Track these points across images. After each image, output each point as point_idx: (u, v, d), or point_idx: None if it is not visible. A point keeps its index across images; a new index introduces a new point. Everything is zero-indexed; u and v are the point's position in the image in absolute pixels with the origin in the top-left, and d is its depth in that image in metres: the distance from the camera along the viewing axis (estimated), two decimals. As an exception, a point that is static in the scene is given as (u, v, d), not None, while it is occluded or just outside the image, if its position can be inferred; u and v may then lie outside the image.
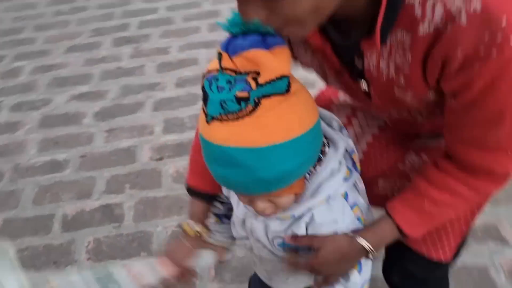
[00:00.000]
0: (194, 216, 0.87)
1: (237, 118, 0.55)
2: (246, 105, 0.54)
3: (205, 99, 0.58)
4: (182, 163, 1.87)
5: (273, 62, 0.54)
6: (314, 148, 0.63)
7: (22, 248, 1.65)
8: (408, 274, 0.91)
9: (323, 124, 0.70)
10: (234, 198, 0.81)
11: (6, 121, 2.21)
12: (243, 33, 0.55)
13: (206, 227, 0.87)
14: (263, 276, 0.94)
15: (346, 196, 0.71)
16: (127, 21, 2.81)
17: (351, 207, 0.72)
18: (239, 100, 0.54)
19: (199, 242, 0.86)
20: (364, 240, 0.69)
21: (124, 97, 2.25)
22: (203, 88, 0.59)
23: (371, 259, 0.72)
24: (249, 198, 0.67)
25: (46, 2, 3.14)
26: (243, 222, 0.80)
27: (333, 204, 0.69)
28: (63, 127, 2.12)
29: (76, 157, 1.97)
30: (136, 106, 2.18)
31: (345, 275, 0.75)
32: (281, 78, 0.54)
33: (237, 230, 0.84)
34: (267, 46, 0.54)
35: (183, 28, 2.68)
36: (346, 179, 0.70)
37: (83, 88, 2.34)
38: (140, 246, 1.60)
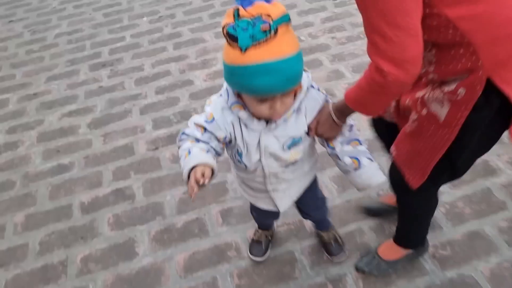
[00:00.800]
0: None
1: (266, 42, 0.90)
2: (269, 33, 0.90)
3: (235, 39, 0.91)
4: (176, 149, 2.21)
5: (277, 5, 0.93)
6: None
7: (49, 233, 1.90)
8: (396, 182, 1.28)
9: None
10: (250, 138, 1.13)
11: (5, 142, 2.44)
12: None
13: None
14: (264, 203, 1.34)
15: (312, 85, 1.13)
16: (98, 50, 3.13)
17: (318, 88, 1.14)
18: (264, 31, 0.90)
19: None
20: (330, 106, 1.10)
21: (112, 108, 2.56)
22: (229, 34, 0.92)
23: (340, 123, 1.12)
24: (270, 103, 1.00)
25: (16, 44, 3.39)
26: (258, 144, 1.13)
27: (311, 91, 1.11)
28: (61, 138, 2.40)
29: (80, 158, 2.25)
30: (124, 113, 2.50)
31: (337, 132, 1.15)
32: (285, 13, 0.93)
33: (251, 158, 1.17)
34: (267, 1, 0.93)
35: (150, 49, 3.05)
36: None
37: (72, 107, 2.63)
38: (154, 213, 1.90)
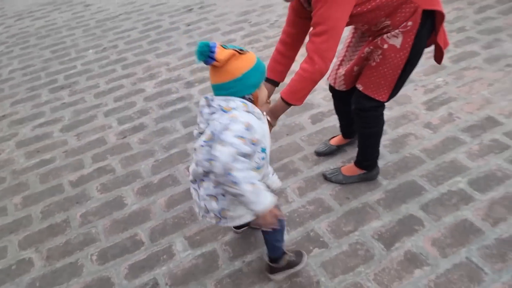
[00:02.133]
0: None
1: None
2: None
3: (242, 50, 1.36)
4: (141, 135, 2.75)
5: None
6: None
7: (47, 205, 2.34)
8: (360, 107, 1.93)
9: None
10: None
11: (-15, 153, 2.81)
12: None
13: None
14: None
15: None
16: (54, 78, 3.59)
17: None
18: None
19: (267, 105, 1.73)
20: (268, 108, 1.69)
21: (78, 116, 3.05)
22: (237, 51, 1.34)
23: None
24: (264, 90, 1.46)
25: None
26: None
27: None
28: (38, 143, 2.83)
29: (59, 153, 2.70)
30: (91, 118, 3.00)
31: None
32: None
33: (268, 148, 1.48)
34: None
35: (102, 72, 3.59)
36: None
37: (41, 120, 3.06)
38: (134, 177, 2.43)
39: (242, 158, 1.28)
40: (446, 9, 3.69)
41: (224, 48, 1.34)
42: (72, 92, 3.37)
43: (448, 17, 3.59)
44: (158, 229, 2.11)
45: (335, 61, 2.06)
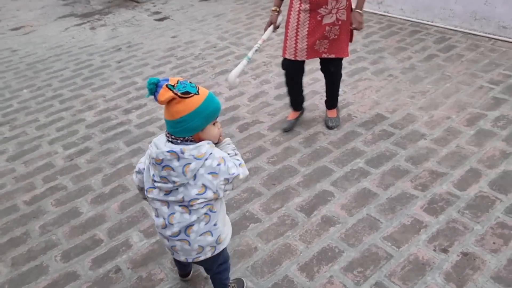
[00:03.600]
0: (276, 5, 2.80)
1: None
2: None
3: (188, 92, 1.41)
4: (88, 156, 3.02)
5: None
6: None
7: (4, 223, 2.50)
8: (337, 67, 2.94)
9: None
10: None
11: None
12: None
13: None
14: None
15: None
16: (-10, 117, 3.74)
17: None
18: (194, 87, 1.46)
19: (278, 14, 2.77)
20: (357, 10, 3.77)
21: (22, 147, 3.24)
22: (181, 92, 1.39)
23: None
24: (216, 124, 1.53)
25: None
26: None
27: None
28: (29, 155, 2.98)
29: (9, 179, 2.89)
30: (35, 147, 3.22)
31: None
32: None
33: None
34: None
35: (40, 107, 3.79)
36: None
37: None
38: (86, 190, 2.69)
39: (230, 161, 1.53)
40: (341, 36, 4.47)
41: (170, 89, 1.39)
42: (12, 128, 3.54)
43: (343, 42, 4.35)
44: (115, 228, 2.40)
45: (291, 39, 2.78)
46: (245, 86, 3.77)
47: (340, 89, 3.11)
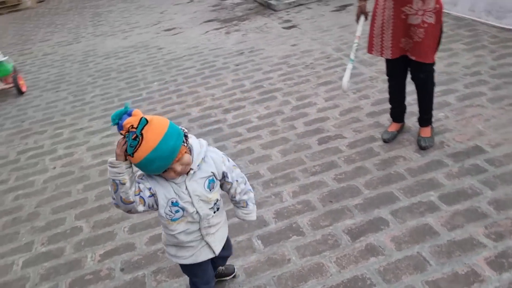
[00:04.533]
0: None
1: (141, 142, 1.38)
2: (139, 138, 1.39)
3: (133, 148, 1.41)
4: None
5: (136, 115, 1.41)
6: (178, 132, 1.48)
7: (100, 191, 2.98)
8: (426, 72, 2.76)
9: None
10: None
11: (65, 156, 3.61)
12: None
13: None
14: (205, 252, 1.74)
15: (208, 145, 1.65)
16: (123, 102, 4.43)
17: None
18: (135, 139, 1.39)
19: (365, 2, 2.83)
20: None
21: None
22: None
23: None
24: (176, 165, 1.46)
25: (63, 103, 4.71)
26: (187, 190, 1.56)
27: (209, 148, 1.66)
28: (104, 148, 3.57)
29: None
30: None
31: None
32: (141, 119, 1.40)
33: (187, 208, 1.58)
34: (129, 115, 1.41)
35: (160, 99, 4.37)
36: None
37: (108, 133, 3.83)
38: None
39: None
40: (466, 56, 4.02)
41: (124, 135, 1.44)
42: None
43: (466, 63, 3.91)
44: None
45: (377, 37, 2.76)
46: (342, 99, 3.71)
47: (442, 114, 2.85)
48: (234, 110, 3.88)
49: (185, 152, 1.50)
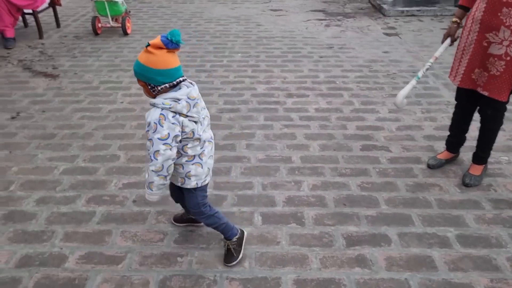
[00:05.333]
0: (457, 16, 2.62)
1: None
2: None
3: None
4: (232, 115, 3.53)
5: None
6: (146, 75, 1.72)
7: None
8: (496, 108, 2.52)
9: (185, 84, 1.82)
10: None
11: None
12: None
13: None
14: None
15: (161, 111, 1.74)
16: (204, 64, 4.70)
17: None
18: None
19: (457, 27, 2.63)
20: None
21: (200, 91, 4.00)
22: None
23: None
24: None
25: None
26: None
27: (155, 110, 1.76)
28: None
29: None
30: (207, 94, 3.92)
31: None
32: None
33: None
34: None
35: (237, 69, 4.54)
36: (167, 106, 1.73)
37: (178, 86, 4.11)
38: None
39: None
40: None
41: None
42: (209, 76, 4.38)
43: None
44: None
45: (455, 60, 2.63)
46: (406, 114, 3.53)
47: (506, 157, 2.61)
48: (297, 97, 3.90)
49: (142, 86, 1.81)
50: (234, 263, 2.11)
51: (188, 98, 1.78)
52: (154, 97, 1.79)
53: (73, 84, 4.17)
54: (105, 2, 5.50)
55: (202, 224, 2.24)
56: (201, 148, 1.91)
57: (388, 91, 4.00)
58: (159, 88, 1.76)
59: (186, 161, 1.89)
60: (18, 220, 2.38)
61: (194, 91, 1.82)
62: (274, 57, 4.92)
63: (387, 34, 5.76)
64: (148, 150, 1.80)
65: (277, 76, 4.38)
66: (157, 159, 1.77)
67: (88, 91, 4.03)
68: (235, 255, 2.12)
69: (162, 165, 1.79)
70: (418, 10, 6.71)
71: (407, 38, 5.59)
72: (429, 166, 2.84)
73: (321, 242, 2.23)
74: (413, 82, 2.78)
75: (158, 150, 1.76)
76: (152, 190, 1.87)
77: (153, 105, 1.76)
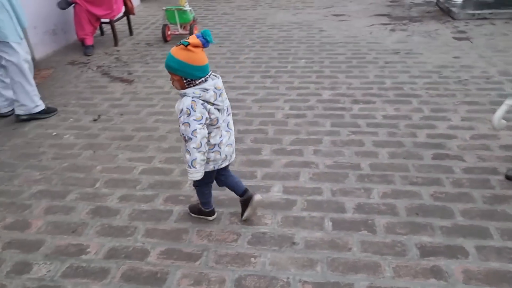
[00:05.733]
0: None
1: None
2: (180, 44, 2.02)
3: None
4: (299, 120, 3.58)
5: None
6: (186, 71, 2.00)
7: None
8: None
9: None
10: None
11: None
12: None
13: None
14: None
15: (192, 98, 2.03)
16: (268, 69, 4.79)
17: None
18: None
19: None
20: None
21: (267, 96, 4.09)
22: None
23: None
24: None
25: (220, 58, 5.31)
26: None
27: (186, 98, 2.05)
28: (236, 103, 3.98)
29: (242, 113, 3.76)
30: (273, 99, 4.00)
31: None
32: (185, 41, 2.00)
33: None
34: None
35: (301, 75, 4.59)
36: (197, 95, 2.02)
37: (242, 91, 4.23)
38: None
39: None
40: None
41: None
42: (274, 81, 4.46)
43: None
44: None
45: None
46: (481, 123, 3.39)
47: None
48: (363, 103, 3.87)
49: (177, 80, 2.05)
50: (188, 211, 2.56)
51: (215, 88, 2.07)
52: (185, 88, 2.06)
53: (146, 89, 4.43)
54: (175, 11, 5.78)
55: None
56: (220, 138, 2.19)
57: (460, 98, 3.86)
58: (197, 81, 2.04)
59: (208, 149, 2.18)
60: (104, 215, 2.58)
61: (220, 82, 2.12)
62: (338, 63, 4.92)
63: (457, 39, 5.55)
64: (184, 134, 2.07)
65: (342, 82, 4.37)
66: (196, 137, 2.05)
67: (160, 95, 4.26)
68: (193, 210, 2.53)
69: (200, 142, 2.07)
70: (490, 13, 6.40)
71: (479, 42, 5.35)
72: (508, 178, 2.72)
73: (394, 250, 2.22)
74: (508, 102, 2.61)
75: (195, 129, 2.04)
76: (196, 168, 2.13)
77: (184, 94, 2.04)
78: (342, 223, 2.43)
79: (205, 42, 1.99)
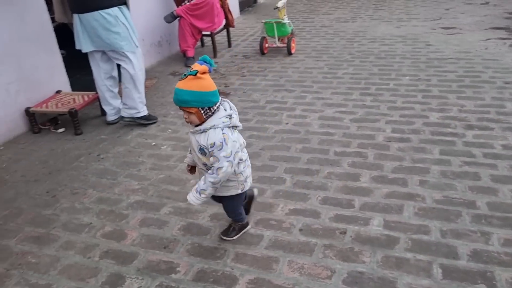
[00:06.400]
0: None
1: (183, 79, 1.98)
2: (185, 76, 1.98)
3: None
4: (401, 144, 3.28)
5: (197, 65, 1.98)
6: (202, 100, 1.94)
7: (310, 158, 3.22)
8: None
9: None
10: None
11: (298, 115, 4.00)
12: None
13: None
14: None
15: (222, 130, 2.02)
16: (368, 86, 4.52)
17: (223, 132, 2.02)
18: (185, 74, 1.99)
19: None
20: None
21: (367, 115, 3.84)
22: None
23: None
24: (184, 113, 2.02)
25: (317, 72, 5.15)
26: (191, 140, 2.10)
27: (216, 129, 2.02)
28: (333, 121, 3.78)
29: (341, 133, 3.56)
30: (373, 120, 3.73)
31: None
32: (195, 69, 1.95)
33: (193, 152, 2.16)
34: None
35: (405, 94, 4.25)
36: (226, 124, 2.02)
37: (340, 110, 4.02)
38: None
39: None
40: None
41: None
42: (374, 100, 4.18)
43: None
44: (369, 205, 2.64)
45: None
46: None
47: None
48: (478, 129, 3.44)
49: (194, 113, 1.98)
50: (227, 238, 2.43)
51: (232, 109, 2.09)
52: (204, 121, 2.02)
53: (242, 102, 4.42)
54: (274, 24, 5.76)
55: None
56: (245, 153, 2.25)
57: None
58: (215, 107, 2.01)
59: (243, 167, 2.19)
60: (195, 233, 2.55)
61: (229, 103, 2.13)
62: (448, 82, 4.47)
63: None
64: (210, 163, 2.07)
65: (453, 104, 3.95)
66: (218, 175, 2.04)
67: (255, 110, 4.22)
68: (232, 233, 2.44)
69: (221, 180, 2.06)
70: None
71: None
72: None
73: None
74: None
75: (222, 167, 2.02)
76: (201, 196, 2.11)
77: (211, 127, 2.00)
78: (454, 271, 2.11)
79: (210, 67, 1.99)
